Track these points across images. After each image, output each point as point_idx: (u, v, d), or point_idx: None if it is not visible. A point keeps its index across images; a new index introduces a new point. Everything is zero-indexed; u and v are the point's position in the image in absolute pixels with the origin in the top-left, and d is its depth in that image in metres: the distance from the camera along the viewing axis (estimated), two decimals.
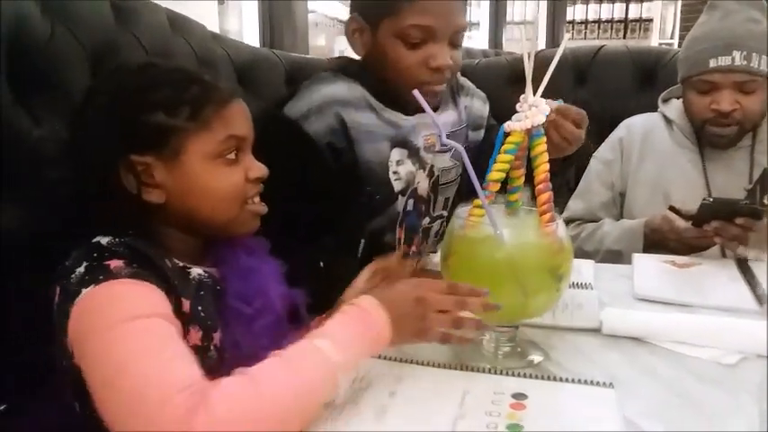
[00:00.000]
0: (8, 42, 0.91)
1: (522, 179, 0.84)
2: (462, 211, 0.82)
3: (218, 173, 0.78)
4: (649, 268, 1.21)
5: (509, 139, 0.80)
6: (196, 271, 0.79)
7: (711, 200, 1.24)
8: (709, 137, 1.42)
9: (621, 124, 1.60)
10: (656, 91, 1.60)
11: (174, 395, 0.59)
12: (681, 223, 1.28)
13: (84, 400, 0.67)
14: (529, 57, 0.80)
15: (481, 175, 0.79)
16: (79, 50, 1.03)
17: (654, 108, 1.58)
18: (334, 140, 1.04)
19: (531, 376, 0.78)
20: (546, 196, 0.79)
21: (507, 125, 0.80)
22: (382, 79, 1.08)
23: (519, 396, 0.73)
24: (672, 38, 5.66)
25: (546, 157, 0.79)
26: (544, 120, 0.79)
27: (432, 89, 1.07)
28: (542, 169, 0.79)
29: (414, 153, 1.13)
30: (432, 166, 1.17)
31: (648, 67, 1.81)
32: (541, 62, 0.79)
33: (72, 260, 0.71)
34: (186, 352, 0.66)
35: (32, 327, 0.83)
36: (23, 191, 0.90)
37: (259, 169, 0.82)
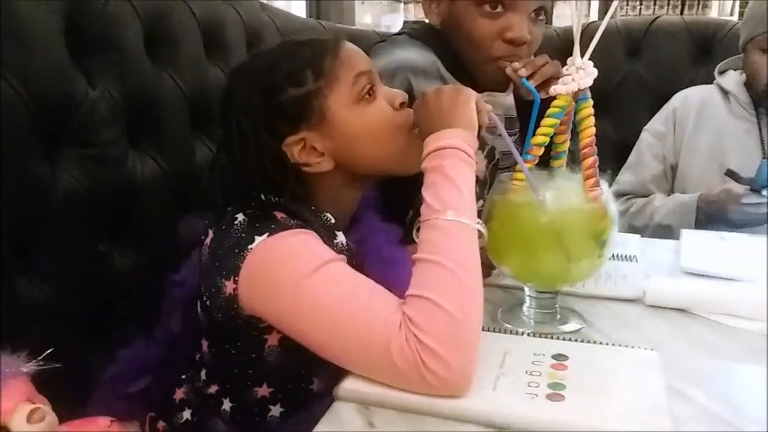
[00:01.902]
0: (67, 6, 0.94)
1: (567, 144, 0.83)
2: (505, 175, 0.82)
3: (365, 114, 0.79)
4: (697, 242, 1.18)
5: (554, 102, 0.79)
6: (341, 238, 0.81)
7: None
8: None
9: (675, 96, 1.56)
10: (711, 64, 1.56)
11: (394, 325, 0.64)
12: (739, 189, 1.25)
13: (221, 343, 0.77)
14: (578, 15, 0.79)
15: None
16: (133, 16, 1.06)
17: (709, 81, 1.53)
18: None
19: (572, 340, 0.78)
20: (591, 161, 0.78)
21: (554, 89, 0.79)
22: (456, 51, 1.05)
23: (560, 357, 0.73)
24: (731, 15, 5.44)
25: (592, 121, 0.78)
26: (591, 83, 0.77)
27: (503, 65, 0.99)
28: (587, 133, 0.78)
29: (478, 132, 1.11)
30: (493, 149, 1.14)
31: (705, 40, 1.75)
32: (592, 33, 0.77)
33: (230, 210, 0.75)
34: (371, 281, 0.70)
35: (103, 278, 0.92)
36: (79, 151, 0.93)
37: (401, 95, 0.83)
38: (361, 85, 0.79)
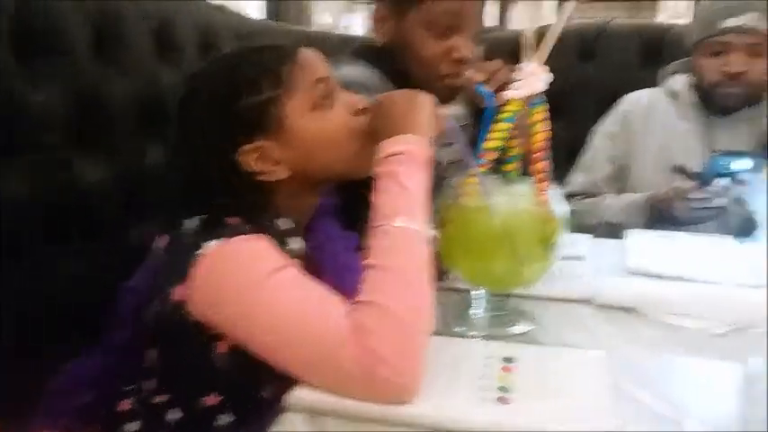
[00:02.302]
0: (13, 8, 0.91)
1: (520, 149, 0.85)
2: (458, 180, 0.83)
3: (324, 120, 0.79)
4: (643, 242, 1.22)
5: (507, 107, 0.80)
6: (297, 244, 0.80)
7: (719, 153, 1.25)
8: (718, 98, 1.43)
9: (625, 98, 1.60)
10: (661, 67, 1.60)
11: (345, 330, 0.64)
12: (686, 186, 1.29)
13: (168, 351, 0.76)
14: (530, 23, 0.80)
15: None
16: (81, 17, 1.03)
17: (656, 84, 1.57)
18: None
19: (521, 342, 0.79)
20: (542, 165, 0.80)
21: (506, 94, 0.80)
22: (402, 70, 1.08)
23: (509, 360, 0.74)
24: (681, 17, 5.60)
25: (544, 125, 0.80)
26: (543, 87, 0.79)
27: (450, 83, 1.06)
28: (539, 138, 0.80)
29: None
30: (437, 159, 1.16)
31: (654, 43, 1.80)
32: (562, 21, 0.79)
33: (183, 216, 0.75)
34: (323, 287, 0.70)
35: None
36: (25, 156, 0.91)
37: (360, 101, 0.83)
38: (320, 92, 0.79)
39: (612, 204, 1.46)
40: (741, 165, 1.26)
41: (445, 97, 1.06)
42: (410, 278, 0.68)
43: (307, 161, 0.79)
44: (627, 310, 0.92)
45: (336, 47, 1.41)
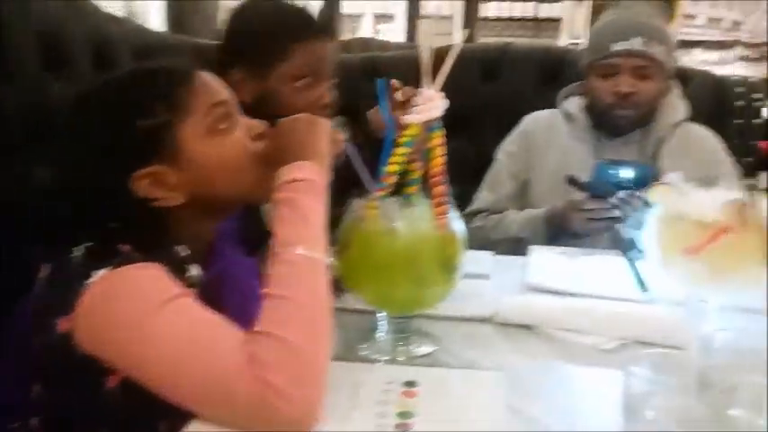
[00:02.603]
0: None
1: (420, 172, 0.85)
2: (358, 204, 0.82)
3: (221, 146, 0.77)
4: (543, 259, 1.26)
5: (406, 131, 0.80)
6: (195, 271, 0.78)
7: (606, 161, 1.32)
8: (610, 119, 1.50)
9: (525, 118, 1.66)
10: (558, 88, 1.66)
11: (239, 362, 0.62)
12: (581, 197, 1.35)
13: (55, 386, 0.71)
14: (425, 48, 0.81)
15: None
16: None
17: (554, 105, 1.64)
18: None
19: (422, 365, 0.80)
20: (440, 189, 0.81)
21: (405, 118, 0.81)
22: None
23: (410, 384, 0.75)
24: (581, 38, 5.90)
25: (442, 150, 0.81)
26: (440, 113, 0.80)
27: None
28: (437, 162, 0.80)
29: None
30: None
31: (552, 65, 1.87)
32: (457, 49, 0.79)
33: (69, 242, 0.71)
34: (219, 317, 0.68)
35: None
36: None
37: (258, 126, 0.81)
38: (217, 116, 0.77)
39: (515, 220, 1.51)
40: (627, 173, 1.32)
41: None
42: (309, 308, 0.67)
43: (204, 187, 0.77)
44: (526, 327, 0.94)
45: None
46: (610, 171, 1.37)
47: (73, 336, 0.67)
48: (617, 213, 1.30)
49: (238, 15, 1.20)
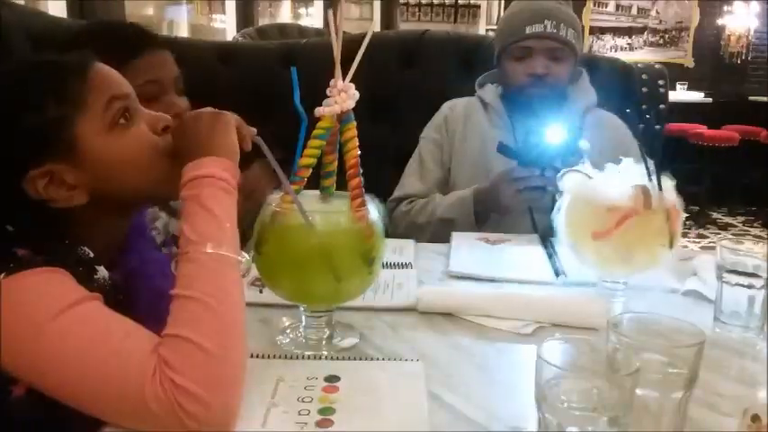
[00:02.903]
0: None
1: (335, 164, 0.84)
2: (273, 198, 0.80)
3: (123, 141, 0.74)
4: (464, 246, 1.28)
5: (319, 124, 0.79)
6: (103, 272, 0.74)
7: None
8: (524, 99, 1.53)
9: (444, 106, 1.67)
10: (476, 75, 1.69)
11: (148, 367, 0.60)
12: (508, 168, 1.38)
13: None
14: (336, 39, 0.79)
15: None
16: None
17: (473, 92, 1.66)
18: None
19: (344, 358, 0.79)
20: (356, 182, 0.80)
21: (317, 110, 0.79)
22: None
23: (332, 379, 0.74)
24: (497, 24, 6.02)
25: (355, 143, 0.80)
26: (353, 105, 0.79)
27: None
28: (352, 155, 0.79)
29: (164, 207, 1.16)
30: None
31: (468, 53, 1.89)
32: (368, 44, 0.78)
33: None
34: (128, 321, 0.65)
35: None
36: None
37: (164, 119, 0.78)
38: (115, 110, 0.74)
39: (442, 202, 1.52)
40: (555, 134, 1.33)
41: None
42: (218, 307, 0.65)
43: (106, 184, 0.74)
44: (448, 315, 0.95)
45: None
46: (536, 141, 1.39)
47: None
48: (545, 183, 1.32)
49: (77, 40, 1.17)
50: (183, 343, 0.62)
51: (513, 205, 1.40)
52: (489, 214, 1.46)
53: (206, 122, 0.75)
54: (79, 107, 0.71)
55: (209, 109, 0.78)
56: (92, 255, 0.74)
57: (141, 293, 0.80)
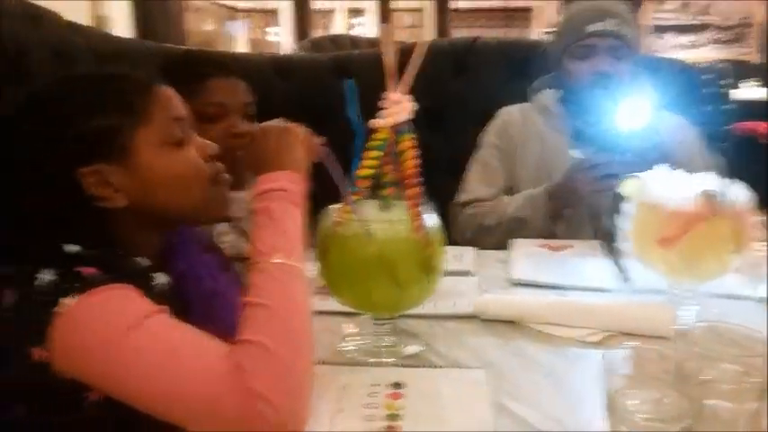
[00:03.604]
0: None
1: (393, 174, 0.85)
2: (333, 209, 0.82)
3: (173, 159, 0.77)
4: (525, 253, 1.26)
5: (375, 135, 0.80)
6: (161, 279, 0.77)
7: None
8: (587, 100, 1.48)
9: (500, 112, 1.65)
10: (529, 81, 1.67)
11: (222, 373, 0.63)
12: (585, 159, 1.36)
13: (32, 406, 0.70)
14: (390, 53, 0.80)
15: None
16: None
17: (525, 98, 1.64)
18: None
19: (408, 366, 0.80)
20: (413, 191, 0.80)
21: (372, 122, 0.80)
22: None
23: (396, 386, 0.75)
24: (552, 27, 5.93)
25: (412, 153, 0.80)
26: (408, 117, 0.79)
27: (237, 156, 1.15)
28: (409, 165, 0.80)
29: (235, 223, 1.22)
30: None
31: (520, 60, 1.87)
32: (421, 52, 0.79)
33: (29, 267, 0.68)
34: (195, 330, 0.67)
35: None
36: None
37: (211, 147, 0.81)
38: (173, 130, 0.78)
39: (513, 201, 1.50)
40: (631, 118, 1.29)
41: (233, 169, 1.17)
42: (286, 315, 0.67)
43: (147, 195, 0.77)
44: (510, 322, 0.95)
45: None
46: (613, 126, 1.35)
47: (48, 364, 0.66)
48: (624, 169, 1.28)
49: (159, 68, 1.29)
50: (256, 348, 0.64)
51: (589, 196, 1.37)
52: (563, 211, 1.43)
53: (275, 136, 0.78)
54: (140, 119, 0.75)
55: (278, 123, 0.81)
56: (148, 263, 0.77)
57: (192, 295, 0.82)
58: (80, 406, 0.70)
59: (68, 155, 0.73)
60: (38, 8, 1.28)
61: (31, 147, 0.73)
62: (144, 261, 0.77)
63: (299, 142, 0.78)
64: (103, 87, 0.76)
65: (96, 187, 0.74)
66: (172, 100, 0.79)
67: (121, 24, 2.45)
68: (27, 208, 0.76)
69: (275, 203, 0.73)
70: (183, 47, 1.68)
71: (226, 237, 1.21)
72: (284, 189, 0.74)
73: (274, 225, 0.72)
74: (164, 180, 0.77)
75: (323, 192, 0.81)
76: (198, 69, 1.23)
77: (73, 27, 1.39)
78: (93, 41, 1.42)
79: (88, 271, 0.68)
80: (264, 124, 0.81)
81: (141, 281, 0.73)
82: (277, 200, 0.74)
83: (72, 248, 0.70)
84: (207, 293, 0.83)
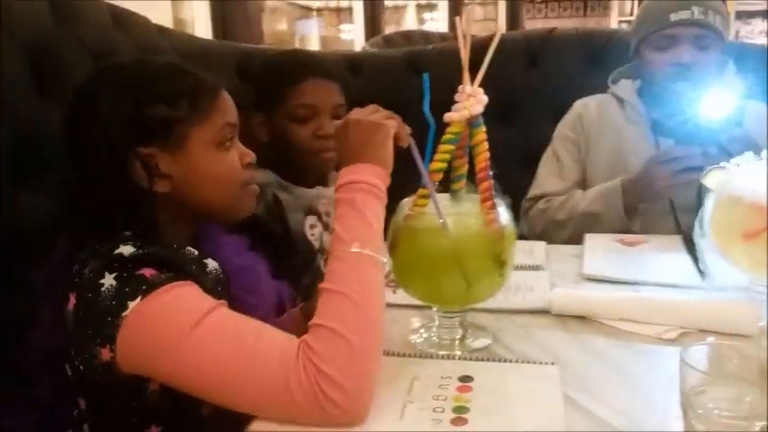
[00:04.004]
0: None
1: (465, 168, 0.85)
2: (406, 202, 0.83)
3: (219, 159, 0.83)
4: (598, 247, 1.24)
5: (449, 129, 0.80)
6: (212, 264, 0.84)
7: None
8: (668, 92, 1.42)
9: (576, 104, 1.62)
10: (604, 72, 1.62)
11: (290, 358, 0.65)
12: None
13: (99, 401, 0.76)
14: (465, 43, 0.80)
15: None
16: (17, 51, 1.01)
17: (602, 90, 1.60)
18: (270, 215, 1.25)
19: (477, 359, 0.80)
20: (486, 185, 0.80)
21: (447, 116, 0.81)
22: (285, 158, 1.29)
23: (465, 379, 0.75)
24: (631, 15, 5.74)
25: (485, 146, 0.80)
26: (482, 110, 0.80)
27: (325, 156, 1.27)
28: (482, 158, 0.80)
29: (320, 218, 1.32)
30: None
31: (597, 50, 1.83)
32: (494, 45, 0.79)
33: (91, 271, 0.72)
34: (254, 320, 0.71)
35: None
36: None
37: (249, 155, 0.87)
38: (225, 134, 0.84)
39: (586, 194, 1.47)
40: (714, 109, 1.23)
41: (323, 166, 1.30)
42: (362, 303, 0.69)
43: (186, 186, 0.82)
44: (582, 318, 0.93)
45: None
46: (694, 118, 1.29)
47: (115, 363, 0.70)
48: (705, 162, 1.24)
49: (254, 68, 1.40)
50: (328, 333, 0.67)
51: (666, 191, 1.33)
52: (638, 206, 1.39)
53: (365, 131, 0.79)
54: (201, 117, 0.81)
55: (373, 112, 0.82)
56: (196, 252, 0.82)
57: (227, 273, 0.86)
58: (143, 395, 0.75)
59: (131, 133, 0.78)
60: (124, 11, 1.35)
61: (99, 118, 0.78)
62: (192, 252, 0.81)
63: (389, 140, 0.79)
64: (176, 80, 0.82)
65: (147, 168, 0.79)
66: (230, 106, 0.85)
67: (200, 26, 2.55)
68: (86, 178, 0.81)
69: (359, 195, 0.75)
70: (262, 46, 1.73)
71: (314, 229, 1.28)
72: (368, 182, 0.76)
73: (356, 215, 0.74)
74: (204, 176, 0.82)
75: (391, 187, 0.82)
76: (294, 70, 1.28)
77: (159, 29, 1.46)
78: (178, 43, 1.49)
79: (148, 272, 0.71)
80: (358, 114, 0.82)
81: (197, 270, 0.78)
82: (361, 191, 0.76)
83: (127, 250, 0.73)
84: (235, 270, 0.88)
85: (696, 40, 1.41)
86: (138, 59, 0.88)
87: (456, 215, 0.81)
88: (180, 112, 0.80)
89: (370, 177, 0.77)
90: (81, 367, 0.72)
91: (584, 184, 1.55)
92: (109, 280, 0.71)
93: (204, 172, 0.82)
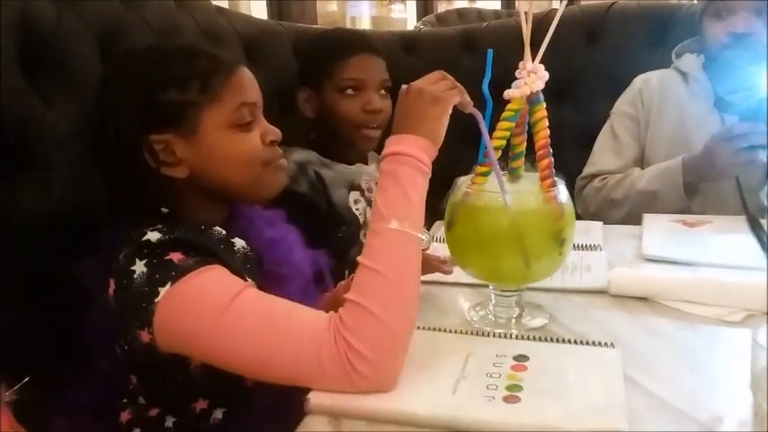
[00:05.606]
0: (17, 28, 0.93)
1: (524, 145, 0.85)
2: (463, 179, 0.83)
3: (235, 140, 0.81)
4: (658, 228, 1.21)
5: (509, 106, 0.80)
6: (240, 243, 0.84)
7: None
8: (725, 62, 1.38)
9: (637, 79, 1.58)
10: (666, 47, 1.57)
11: (321, 333, 0.68)
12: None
13: (148, 377, 0.79)
14: (527, 19, 0.80)
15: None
16: (87, 33, 1.04)
17: (664, 65, 1.55)
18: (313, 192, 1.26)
19: (534, 338, 0.80)
20: (546, 162, 0.80)
21: (507, 92, 0.80)
22: (329, 134, 1.32)
23: (520, 358, 0.75)
24: None
25: (545, 123, 0.80)
26: (542, 86, 0.79)
27: (368, 133, 1.31)
28: (542, 135, 0.79)
29: (363, 193, 1.33)
30: None
31: (660, 24, 1.77)
32: (550, 23, 0.78)
33: (124, 257, 0.74)
34: (283, 300, 0.72)
35: (53, 304, 0.89)
36: (40, 173, 0.92)
37: (274, 133, 0.85)
38: (241, 115, 0.82)
39: (645, 173, 1.43)
40: None
41: (366, 144, 1.33)
42: (397, 282, 0.70)
43: (204, 169, 0.81)
44: (641, 299, 0.92)
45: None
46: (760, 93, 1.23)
47: (155, 344, 0.72)
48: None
49: (302, 45, 1.48)
50: (361, 310, 0.68)
51: (730, 170, 1.28)
52: (699, 185, 1.35)
53: (425, 101, 0.77)
54: (212, 99, 0.80)
55: (440, 80, 0.80)
56: (224, 233, 0.82)
57: (258, 248, 0.86)
58: (186, 372, 0.77)
59: (145, 121, 0.79)
60: None
61: (114, 106, 0.80)
62: (220, 231, 0.82)
63: (445, 114, 0.78)
64: (188, 62, 0.81)
65: (163, 154, 0.80)
66: (247, 85, 0.83)
67: (256, 7, 2.58)
68: (107, 166, 0.83)
69: (403, 168, 0.74)
70: (316, 26, 1.74)
71: (358, 204, 1.30)
72: (414, 156, 0.75)
73: (398, 189, 0.74)
74: (220, 158, 0.81)
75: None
76: (342, 45, 1.31)
77: (218, 10, 1.49)
78: (236, 23, 1.51)
79: (176, 256, 0.72)
80: (422, 83, 0.79)
81: (224, 250, 0.78)
82: (405, 165, 0.75)
83: (154, 236, 0.74)
84: (265, 243, 0.87)
85: (754, 7, 1.34)
86: (152, 45, 0.88)
87: (516, 192, 0.80)
88: (191, 96, 0.79)
89: (417, 151, 0.75)
90: (126, 347, 0.75)
91: (642, 162, 1.51)
92: (140, 266, 0.72)
93: (220, 154, 0.81)
